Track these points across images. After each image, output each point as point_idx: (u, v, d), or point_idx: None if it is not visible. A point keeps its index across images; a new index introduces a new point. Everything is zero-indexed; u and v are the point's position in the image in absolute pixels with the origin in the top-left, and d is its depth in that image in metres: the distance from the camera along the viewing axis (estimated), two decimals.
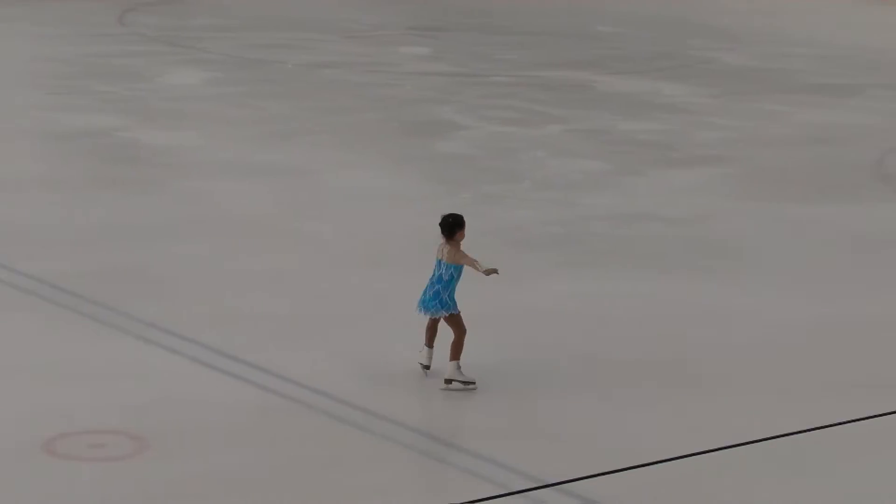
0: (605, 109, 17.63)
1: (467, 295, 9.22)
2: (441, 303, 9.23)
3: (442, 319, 9.29)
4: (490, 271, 9.26)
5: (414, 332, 9.30)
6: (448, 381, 9.22)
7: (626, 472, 7.97)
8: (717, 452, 8.25)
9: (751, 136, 16.46)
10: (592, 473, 7.92)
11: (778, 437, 8.45)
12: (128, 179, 13.87)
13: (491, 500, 7.63)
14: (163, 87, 18.42)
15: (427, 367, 9.39)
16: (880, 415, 8.86)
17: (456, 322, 9.24)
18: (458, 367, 9.21)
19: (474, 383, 9.22)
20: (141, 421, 8.34)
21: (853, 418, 8.76)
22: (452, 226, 9.26)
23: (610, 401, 9.01)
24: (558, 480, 7.81)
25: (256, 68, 19.72)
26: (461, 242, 9.24)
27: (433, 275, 9.28)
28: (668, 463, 8.09)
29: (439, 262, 9.28)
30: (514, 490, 7.73)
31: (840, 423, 8.68)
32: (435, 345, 9.33)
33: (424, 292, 9.31)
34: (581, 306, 10.80)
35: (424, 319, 9.31)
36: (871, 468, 8.24)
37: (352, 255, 11.77)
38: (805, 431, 8.58)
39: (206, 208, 12.96)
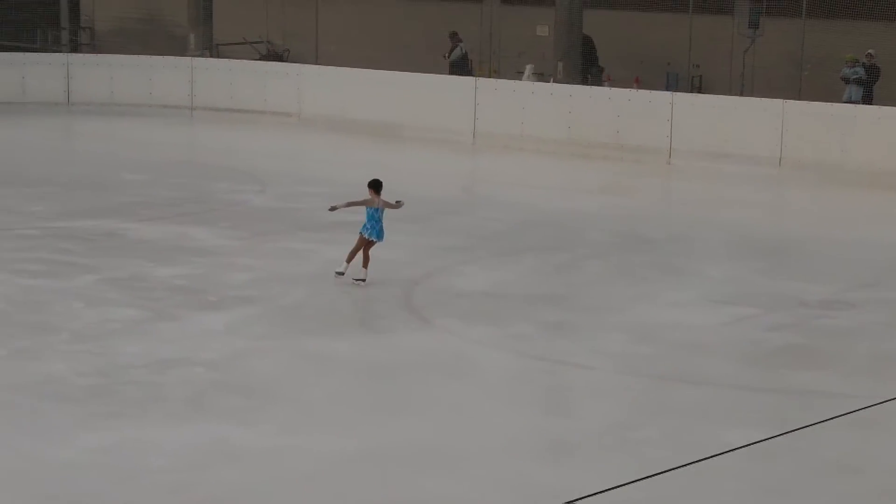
0: (136, 256, 17.73)
1: None
2: (380, 233, 16.22)
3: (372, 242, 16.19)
4: (399, 204, 16.40)
5: None
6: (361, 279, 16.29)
7: None
8: None
9: (279, 275, 16.99)
10: None
11: None
12: None
13: None
14: None
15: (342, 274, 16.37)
16: None
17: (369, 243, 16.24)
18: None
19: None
20: None
21: None
22: (380, 185, 16.22)
23: None
24: None
25: None
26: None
27: (372, 217, 16.13)
28: None
29: (376, 209, 16.13)
30: None
31: None
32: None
33: (372, 228, 16.12)
34: (118, 458, 10.85)
35: None
36: None
37: None
38: None
39: None
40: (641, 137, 26.58)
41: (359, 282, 16.30)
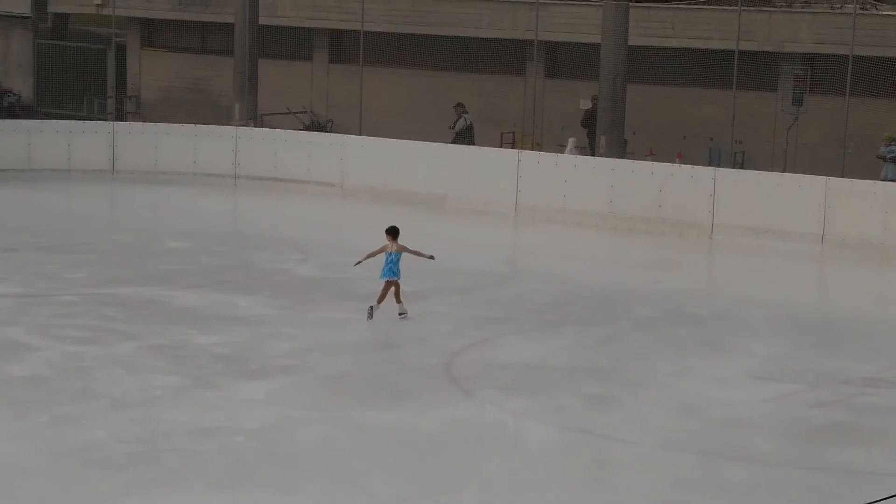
0: (179, 324, 17.77)
1: None
2: (394, 273, 17.88)
3: (391, 282, 17.88)
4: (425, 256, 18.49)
5: None
6: (402, 314, 18.12)
7: None
8: None
9: (321, 345, 16.98)
10: None
11: None
12: None
13: None
14: None
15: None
16: None
17: (396, 284, 17.96)
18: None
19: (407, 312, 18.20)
20: None
21: None
22: (397, 232, 18.07)
23: None
24: None
25: None
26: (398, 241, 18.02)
27: (387, 260, 17.84)
28: None
29: (390, 253, 17.88)
30: None
31: None
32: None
33: (385, 269, 17.87)
34: None
35: None
36: None
37: None
38: None
39: None
40: (684, 212, 26.53)
41: (403, 315, 18.20)
